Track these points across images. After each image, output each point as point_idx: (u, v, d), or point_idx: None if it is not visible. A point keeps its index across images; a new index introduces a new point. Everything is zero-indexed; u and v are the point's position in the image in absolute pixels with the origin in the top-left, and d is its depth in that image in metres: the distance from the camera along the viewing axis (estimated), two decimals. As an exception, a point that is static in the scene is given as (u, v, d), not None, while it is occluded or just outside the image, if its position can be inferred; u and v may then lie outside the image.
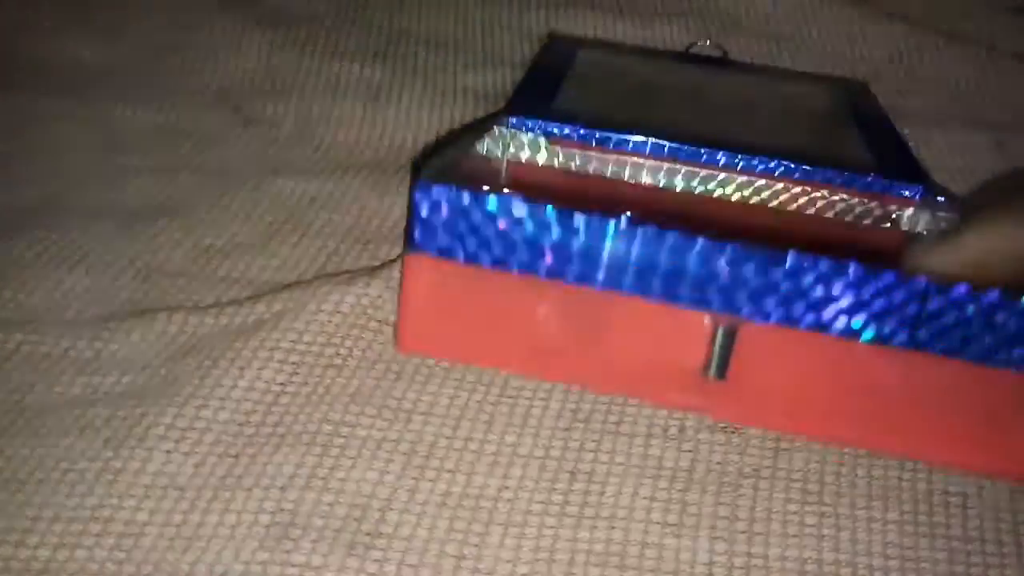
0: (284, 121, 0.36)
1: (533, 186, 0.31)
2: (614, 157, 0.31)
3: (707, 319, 0.18)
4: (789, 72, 0.41)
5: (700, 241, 0.17)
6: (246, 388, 0.25)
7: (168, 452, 0.23)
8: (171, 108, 0.37)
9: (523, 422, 0.24)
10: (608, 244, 0.18)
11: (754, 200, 0.30)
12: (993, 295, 0.17)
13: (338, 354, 0.26)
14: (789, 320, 0.18)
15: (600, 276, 0.18)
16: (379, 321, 0.27)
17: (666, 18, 0.44)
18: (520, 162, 0.31)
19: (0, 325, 0.26)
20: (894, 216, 0.29)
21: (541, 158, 0.31)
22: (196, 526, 0.21)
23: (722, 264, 0.18)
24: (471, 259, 0.19)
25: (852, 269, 0.17)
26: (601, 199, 0.31)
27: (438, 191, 0.19)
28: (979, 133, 0.38)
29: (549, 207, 0.18)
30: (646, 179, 0.31)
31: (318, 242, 0.31)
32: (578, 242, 0.18)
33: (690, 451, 0.24)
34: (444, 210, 0.19)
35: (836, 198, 0.29)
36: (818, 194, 0.29)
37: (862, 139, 0.32)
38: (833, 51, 0.44)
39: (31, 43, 0.40)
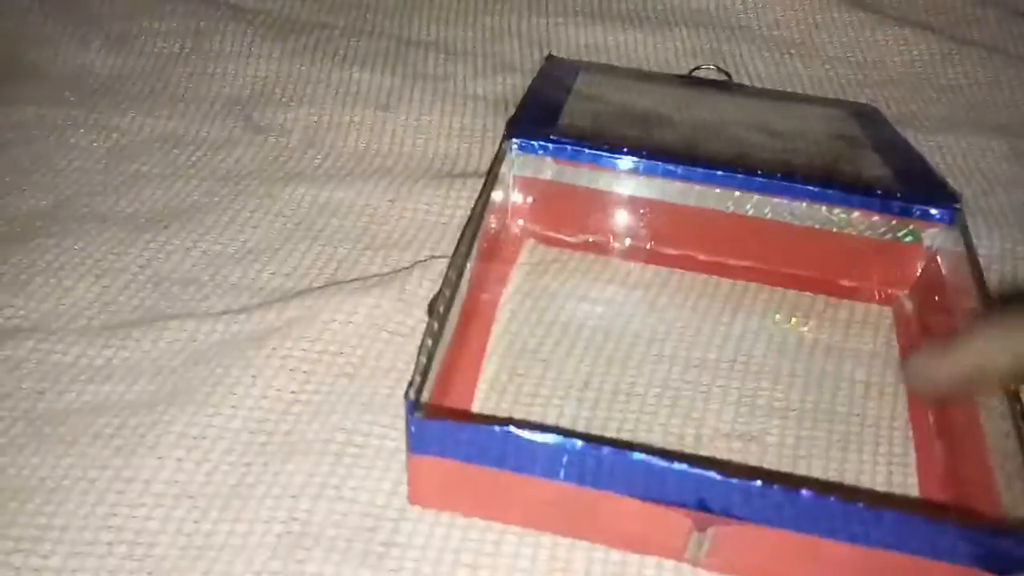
0: (294, 128, 0.36)
1: (543, 202, 0.31)
2: (627, 179, 0.30)
3: (686, 516, 0.20)
4: (796, 95, 0.40)
5: (677, 467, 0.19)
6: (258, 396, 0.25)
7: (179, 460, 0.23)
8: (181, 116, 0.36)
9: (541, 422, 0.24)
10: (592, 467, 0.20)
11: (771, 217, 0.30)
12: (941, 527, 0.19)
13: (350, 363, 0.26)
14: (762, 523, 0.19)
15: (589, 480, 0.20)
16: (390, 332, 0.27)
17: (674, 26, 0.44)
18: (528, 177, 0.31)
19: (11, 333, 0.26)
20: (919, 234, 0.29)
21: (547, 175, 0.31)
22: (207, 535, 0.21)
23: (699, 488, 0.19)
24: (467, 461, 0.20)
25: (829, 502, 0.19)
26: (625, 219, 0.31)
27: (430, 424, 0.20)
28: (993, 138, 0.38)
29: (536, 437, 0.19)
30: (655, 197, 0.30)
31: (328, 248, 0.30)
32: (567, 459, 0.20)
33: (707, 458, 0.24)
34: (436, 433, 0.20)
35: (855, 215, 0.29)
36: (841, 214, 0.29)
37: (880, 161, 0.32)
38: (844, 57, 0.43)
39: (41, 53, 0.40)
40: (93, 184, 0.33)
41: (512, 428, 0.19)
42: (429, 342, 0.22)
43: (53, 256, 0.29)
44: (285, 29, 0.41)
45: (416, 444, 0.20)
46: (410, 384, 0.21)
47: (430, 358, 0.22)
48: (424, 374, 0.21)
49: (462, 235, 0.26)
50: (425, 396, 0.21)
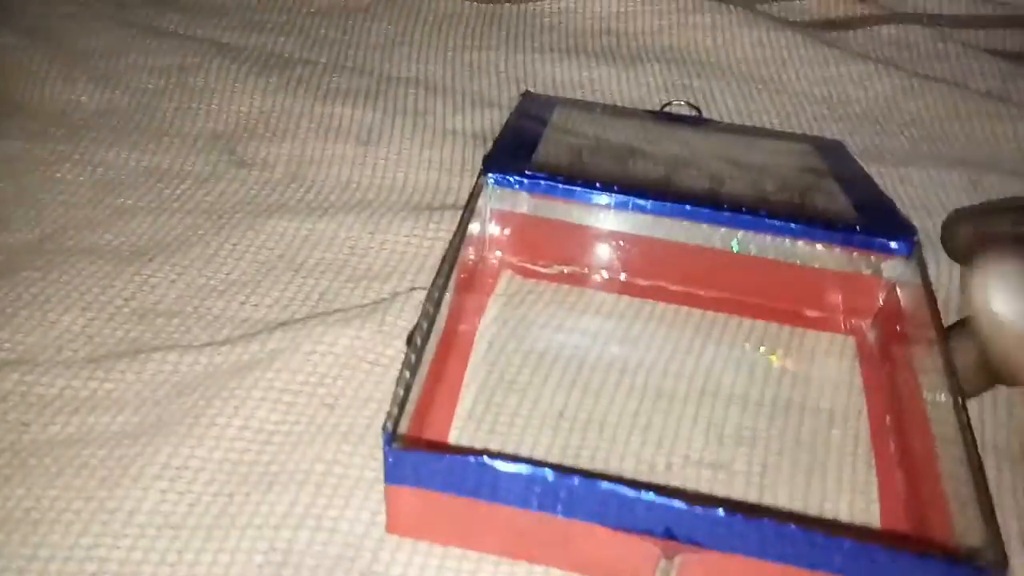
0: (277, 162, 0.37)
1: (520, 234, 0.32)
2: (601, 212, 0.31)
3: (654, 544, 0.21)
4: (763, 130, 0.41)
5: (644, 496, 0.20)
6: (240, 427, 0.25)
7: (163, 491, 0.23)
8: (166, 151, 0.37)
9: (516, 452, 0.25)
10: (563, 496, 0.21)
11: (738, 251, 0.31)
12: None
13: (330, 394, 0.27)
14: (726, 550, 0.20)
15: (560, 509, 0.21)
16: (370, 363, 0.28)
17: (646, 63, 0.46)
18: (505, 211, 0.32)
19: (-3, 366, 0.27)
20: (880, 266, 0.30)
21: (523, 209, 0.32)
22: (190, 565, 0.22)
23: (664, 515, 0.20)
24: (443, 491, 0.21)
25: (790, 531, 0.20)
26: (593, 253, 0.32)
27: (407, 455, 0.21)
28: (954, 171, 0.39)
29: (509, 467, 0.20)
30: (627, 230, 0.31)
31: (311, 281, 0.31)
32: (539, 488, 0.21)
33: (680, 484, 0.25)
34: (412, 464, 0.21)
35: (819, 249, 0.30)
36: (805, 247, 0.30)
37: (843, 195, 0.33)
38: (810, 92, 0.45)
39: (27, 89, 0.40)
40: (79, 218, 0.33)
41: (485, 459, 0.20)
42: (407, 374, 0.23)
43: (39, 289, 0.30)
44: (268, 65, 0.42)
45: (393, 474, 0.21)
46: (388, 416, 0.21)
47: (407, 390, 0.22)
48: (401, 406, 0.22)
49: (440, 267, 0.27)
50: (403, 427, 0.22)
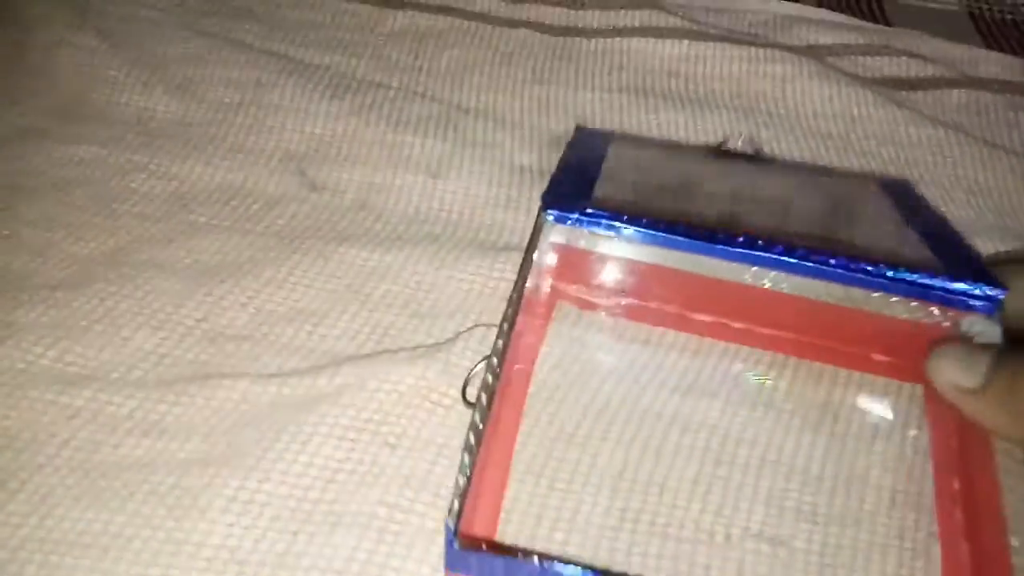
0: (348, 188, 0.37)
1: (577, 270, 0.32)
2: (661, 251, 0.31)
3: None
4: (824, 169, 0.40)
5: None
6: (306, 464, 0.26)
7: (230, 525, 0.24)
8: (239, 167, 0.38)
9: (572, 518, 0.25)
10: None
11: (809, 295, 0.30)
12: None
13: (393, 433, 0.27)
14: None
15: None
16: (432, 403, 0.28)
17: (715, 110, 0.45)
18: (563, 246, 0.32)
19: (70, 381, 0.27)
20: (958, 320, 0.29)
21: (582, 244, 0.31)
22: (254, 604, 0.22)
23: None
24: None
25: None
26: (663, 293, 0.32)
27: (468, 553, 0.21)
28: (1020, 244, 0.39)
29: (576, 573, 0.20)
30: (689, 269, 0.31)
31: (376, 314, 0.31)
32: None
33: (739, 558, 0.25)
34: (472, 560, 0.21)
35: (894, 300, 0.29)
36: (880, 298, 0.29)
37: (919, 241, 0.32)
38: (878, 153, 0.44)
39: (104, 93, 0.41)
40: (152, 231, 0.34)
41: (556, 565, 0.20)
42: (466, 459, 0.23)
43: (113, 303, 0.30)
44: (341, 86, 0.43)
45: (454, 564, 0.21)
46: (449, 511, 0.21)
47: (468, 480, 0.22)
48: (463, 500, 0.22)
49: (499, 327, 0.27)
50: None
